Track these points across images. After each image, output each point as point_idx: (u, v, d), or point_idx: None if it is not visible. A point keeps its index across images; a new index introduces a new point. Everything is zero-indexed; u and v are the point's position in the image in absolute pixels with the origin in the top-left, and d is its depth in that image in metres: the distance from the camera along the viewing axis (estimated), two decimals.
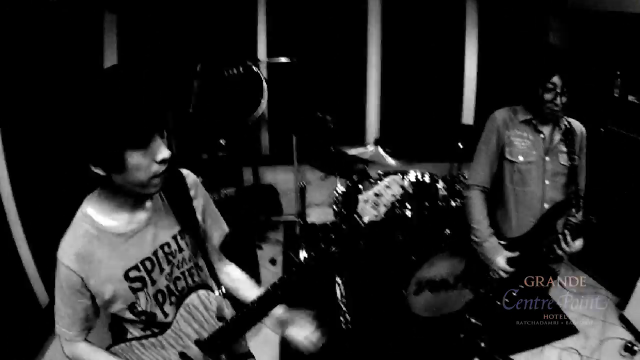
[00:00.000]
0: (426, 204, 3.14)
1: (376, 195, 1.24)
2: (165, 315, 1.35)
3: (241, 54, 3.71)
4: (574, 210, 2.29)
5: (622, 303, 3.98)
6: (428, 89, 4.32)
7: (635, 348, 3.59)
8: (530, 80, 2.16)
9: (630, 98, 3.57)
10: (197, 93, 3.54)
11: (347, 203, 3.18)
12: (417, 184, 3.16)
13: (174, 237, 1.33)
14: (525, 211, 2.29)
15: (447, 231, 3.09)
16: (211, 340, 1.37)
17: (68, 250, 1.20)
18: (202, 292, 1.36)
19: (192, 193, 1.37)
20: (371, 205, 1.25)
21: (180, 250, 1.34)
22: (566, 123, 2.25)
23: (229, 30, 3.87)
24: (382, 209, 1.24)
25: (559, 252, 2.14)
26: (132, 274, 1.25)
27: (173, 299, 1.36)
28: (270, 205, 4.09)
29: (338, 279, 3.39)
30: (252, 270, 3.07)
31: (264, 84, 3.64)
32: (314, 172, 3.60)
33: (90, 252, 1.20)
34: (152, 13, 3.71)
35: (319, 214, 3.81)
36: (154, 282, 1.31)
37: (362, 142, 3.38)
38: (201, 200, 1.42)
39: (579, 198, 2.29)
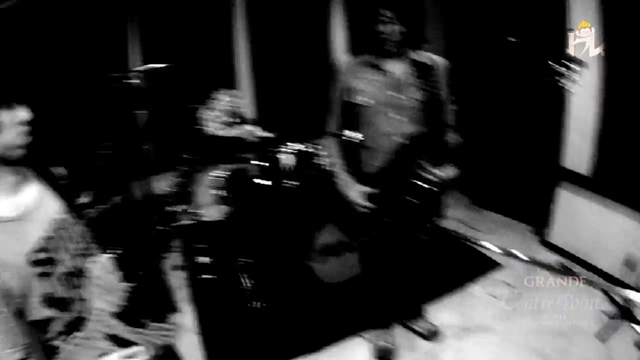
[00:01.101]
0: (307, 171, 3.17)
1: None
2: (76, 299, 1.31)
3: (119, 65, 3.68)
4: (439, 140, 2.32)
5: (541, 232, 3.99)
6: (298, 72, 4.41)
7: (567, 268, 3.57)
8: (367, 17, 2.19)
9: None
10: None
11: None
12: (292, 152, 3.16)
13: (60, 211, 1.33)
14: (379, 149, 2.30)
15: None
16: (129, 308, 1.38)
17: None
18: (99, 261, 1.37)
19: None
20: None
21: (69, 224, 1.33)
22: (416, 57, 2.25)
23: (101, 42, 3.85)
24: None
25: (426, 183, 2.18)
26: (37, 256, 1.21)
27: (77, 280, 1.33)
28: (166, 214, 4.02)
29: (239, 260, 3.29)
30: (170, 304, 2.98)
31: (144, 93, 3.59)
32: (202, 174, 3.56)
33: None
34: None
35: (211, 212, 3.74)
36: (59, 262, 1.27)
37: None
38: None
39: (444, 127, 2.33)
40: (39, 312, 1.21)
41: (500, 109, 4.06)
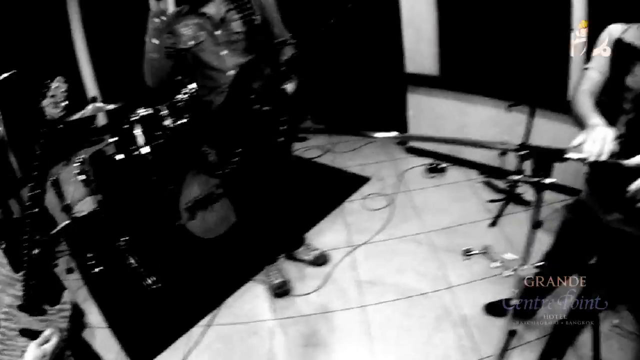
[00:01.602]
0: (157, 133, 3.11)
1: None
2: None
3: None
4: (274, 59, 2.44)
5: (404, 141, 4.30)
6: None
7: (440, 166, 3.84)
8: None
9: None
10: None
11: None
12: (142, 120, 3.10)
13: None
14: (216, 86, 2.39)
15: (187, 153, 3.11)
16: (27, 297, 1.40)
17: None
18: None
19: None
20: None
21: None
22: None
23: None
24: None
25: (265, 103, 2.33)
26: None
27: None
28: (45, 223, 3.90)
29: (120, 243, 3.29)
30: (57, 286, 2.91)
31: None
32: (58, 170, 3.43)
33: None
34: None
35: (84, 206, 3.70)
36: None
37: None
38: None
39: (281, 45, 2.47)
40: None
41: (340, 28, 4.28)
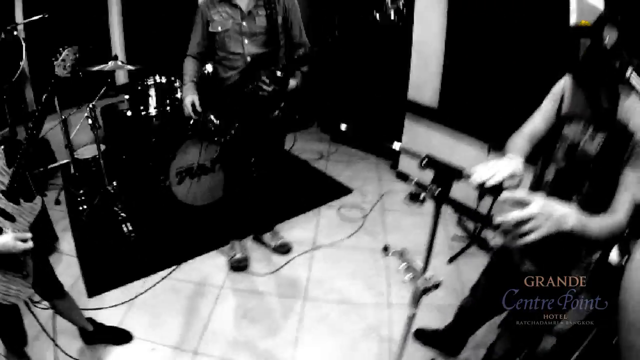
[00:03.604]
0: (167, 101, 3.45)
1: None
2: None
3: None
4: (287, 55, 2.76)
5: (395, 164, 4.48)
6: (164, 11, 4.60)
7: (421, 195, 4.00)
8: None
9: None
10: None
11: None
12: (156, 85, 3.39)
13: None
14: (232, 67, 2.72)
15: (192, 121, 3.35)
16: (10, 187, 1.80)
17: None
18: None
19: None
20: None
21: None
22: None
23: None
24: None
25: (264, 92, 2.60)
26: None
27: None
28: (45, 156, 4.19)
29: (110, 189, 3.53)
30: (44, 216, 3.18)
31: (23, 44, 3.71)
32: (76, 113, 3.69)
33: None
34: None
35: (87, 151, 4.00)
36: None
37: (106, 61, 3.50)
38: None
39: (297, 46, 2.79)
40: None
41: (355, 46, 4.46)
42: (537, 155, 1.65)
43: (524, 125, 1.70)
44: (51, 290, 2.17)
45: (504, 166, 1.39)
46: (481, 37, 3.32)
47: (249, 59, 2.67)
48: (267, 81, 2.57)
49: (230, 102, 2.74)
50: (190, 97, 2.78)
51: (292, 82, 2.79)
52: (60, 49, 1.91)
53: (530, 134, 1.68)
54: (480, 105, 3.45)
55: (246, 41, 2.66)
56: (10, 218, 1.80)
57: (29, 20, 3.75)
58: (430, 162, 1.36)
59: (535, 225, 1.23)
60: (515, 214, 1.24)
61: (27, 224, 1.86)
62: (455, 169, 1.31)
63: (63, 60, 1.90)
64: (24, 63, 3.84)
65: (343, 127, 3.10)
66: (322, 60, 2.74)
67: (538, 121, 1.67)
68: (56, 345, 2.23)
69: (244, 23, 2.64)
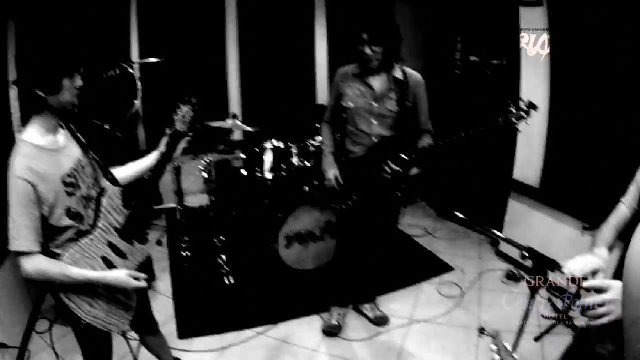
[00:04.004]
0: (282, 165, 3.60)
1: None
2: (89, 217, 1.77)
3: (116, 56, 3.98)
4: (410, 144, 2.81)
5: (496, 241, 4.26)
6: (283, 73, 4.90)
7: (517, 275, 3.85)
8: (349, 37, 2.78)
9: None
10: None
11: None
12: (274, 149, 3.58)
13: (81, 155, 1.80)
14: (359, 143, 2.84)
15: (306, 188, 3.54)
16: (125, 227, 1.86)
17: (20, 166, 1.57)
18: (110, 190, 1.84)
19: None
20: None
21: (86, 165, 1.81)
22: (399, 75, 2.75)
23: (104, 34, 4.15)
24: None
25: (387, 175, 2.69)
26: (67, 180, 1.68)
27: (92, 203, 1.80)
28: (152, 196, 4.37)
29: (217, 241, 3.58)
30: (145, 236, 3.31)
31: (138, 84, 3.95)
32: (185, 160, 3.87)
33: (36, 165, 1.59)
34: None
35: (196, 200, 4.14)
36: (80, 188, 1.74)
37: (224, 118, 3.67)
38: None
39: (422, 132, 2.84)
40: (61, 220, 1.65)
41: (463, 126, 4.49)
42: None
43: (611, 216, 1.73)
44: (146, 326, 2.24)
45: (591, 261, 1.52)
46: (580, 117, 3.36)
47: (374, 139, 2.76)
48: (393, 166, 2.64)
49: (353, 176, 2.81)
50: (333, 172, 2.86)
51: (415, 170, 2.79)
52: (180, 103, 1.96)
53: (616, 225, 1.70)
54: (579, 185, 3.41)
55: (375, 122, 2.75)
56: (122, 255, 1.85)
57: (145, 61, 3.95)
58: (530, 255, 1.65)
59: (607, 310, 1.30)
60: (591, 300, 1.34)
61: (137, 264, 1.92)
62: (551, 261, 1.57)
63: (183, 116, 1.96)
64: (138, 103, 4.08)
65: (460, 215, 3.12)
66: (444, 154, 2.74)
67: (623, 210, 1.71)
68: None
69: (375, 104, 2.72)
